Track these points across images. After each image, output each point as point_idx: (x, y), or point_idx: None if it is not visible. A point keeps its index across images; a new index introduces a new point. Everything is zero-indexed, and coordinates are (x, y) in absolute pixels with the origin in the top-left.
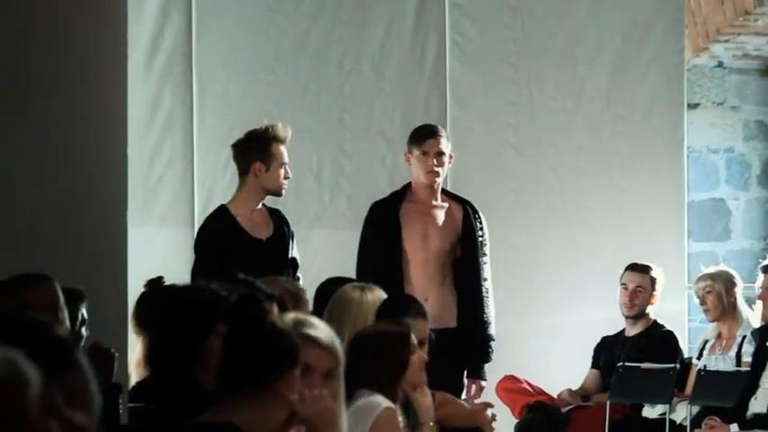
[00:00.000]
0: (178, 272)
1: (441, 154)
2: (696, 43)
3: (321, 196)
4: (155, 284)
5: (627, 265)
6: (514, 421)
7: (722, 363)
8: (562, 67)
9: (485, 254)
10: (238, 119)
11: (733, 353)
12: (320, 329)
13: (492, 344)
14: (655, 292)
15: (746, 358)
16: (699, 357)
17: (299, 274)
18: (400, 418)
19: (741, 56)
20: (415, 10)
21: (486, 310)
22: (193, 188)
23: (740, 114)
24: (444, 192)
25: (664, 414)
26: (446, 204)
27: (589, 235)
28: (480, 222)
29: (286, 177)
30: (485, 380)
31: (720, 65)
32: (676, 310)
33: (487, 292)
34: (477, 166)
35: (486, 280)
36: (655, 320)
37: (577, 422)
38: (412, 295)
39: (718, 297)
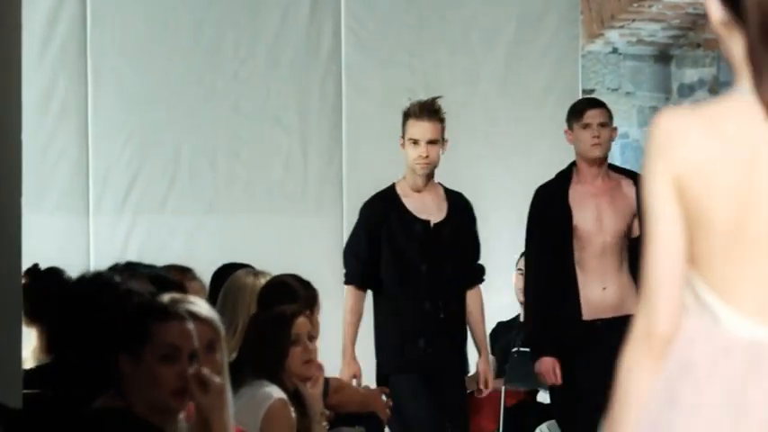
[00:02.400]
0: (73, 260)
1: (604, 125)
2: (591, 29)
3: (216, 182)
4: (33, 273)
5: (522, 250)
6: None
7: None
8: (457, 54)
9: None
10: (133, 106)
11: None
12: (198, 304)
13: None
14: None
15: None
16: None
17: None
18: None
19: (636, 42)
20: None
21: None
22: (88, 176)
23: (635, 100)
24: (612, 167)
25: None
26: (616, 181)
27: (484, 221)
28: None
29: (420, 156)
30: None
31: (615, 51)
32: None
33: None
34: (373, 152)
35: None
36: None
37: (473, 408)
38: (298, 275)
39: None
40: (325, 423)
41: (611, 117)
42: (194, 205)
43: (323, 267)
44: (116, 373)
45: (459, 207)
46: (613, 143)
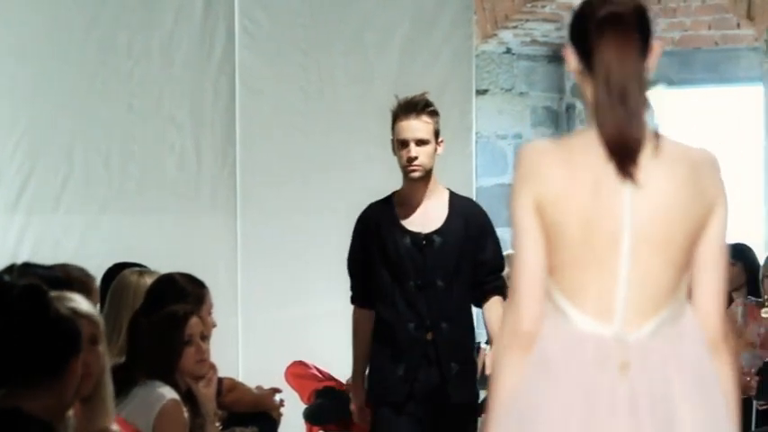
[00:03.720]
0: None
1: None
2: (484, 29)
3: (110, 182)
4: None
5: None
6: (303, 406)
7: None
8: (352, 53)
9: None
10: (25, 106)
11: None
12: (77, 300)
13: None
14: None
15: None
16: None
17: None
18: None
19: (529, 42)
20: None
21: None
22: None
23: (528, 100)
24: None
25: None
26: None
27: None
28: None
29: (408, 158)
30: None
31: (509, 51)
32: None
33: None
34: (266, 151)
35: None
36: None
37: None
38: (187, 273)
39: None
40: (218, 423)
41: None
42: (88, 205)
43: (217, 267)
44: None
45: (463, 215)
46: (506, 144)
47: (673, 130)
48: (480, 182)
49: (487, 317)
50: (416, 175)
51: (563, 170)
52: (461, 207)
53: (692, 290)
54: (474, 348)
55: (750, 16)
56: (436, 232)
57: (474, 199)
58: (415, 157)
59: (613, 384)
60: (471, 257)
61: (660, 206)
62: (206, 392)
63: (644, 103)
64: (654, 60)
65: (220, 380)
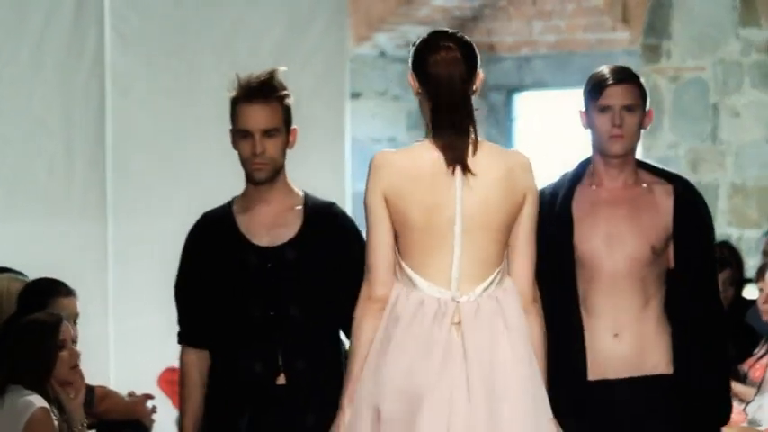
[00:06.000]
0: None
1: (630, 108)
2: (358, 32)
3: None
4: None
5: None
6: (176, 413)
7: None
8: (223, 56)
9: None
10: None
11: None
12: None
13: None
14: None
15: None
16: None
17: None
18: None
19: (404, 45)
20: None
21: None
22: None
23: (402, 104)
24: (647, 167)
25: None
26: (646, 186)
27: None
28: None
29: (253, 153)
30: None
31: (383, 54)
32: None
33: None
34: (137, 155)
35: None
36: None
37: None
38: (56, 279)
39: None
40: None
41: (643, 97)
42: None
43: (86, 273)
44: None
45: (323, 223)
46: (381, 148)
47: (548, 132)
48: (356, 187)
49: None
50: (263, 174)
51: (406, 170)
52: (319, 213)
53: (510, 262)
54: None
55: (625, 19)
56: (289, 245)
57: (349, 204)
58: (262, 152)
59: (449, 336)
60: (336, 275)
61: (483, 197)
62: (74, 401)
63: (469, 117)
64: (479, 85)
65: (92, 388)
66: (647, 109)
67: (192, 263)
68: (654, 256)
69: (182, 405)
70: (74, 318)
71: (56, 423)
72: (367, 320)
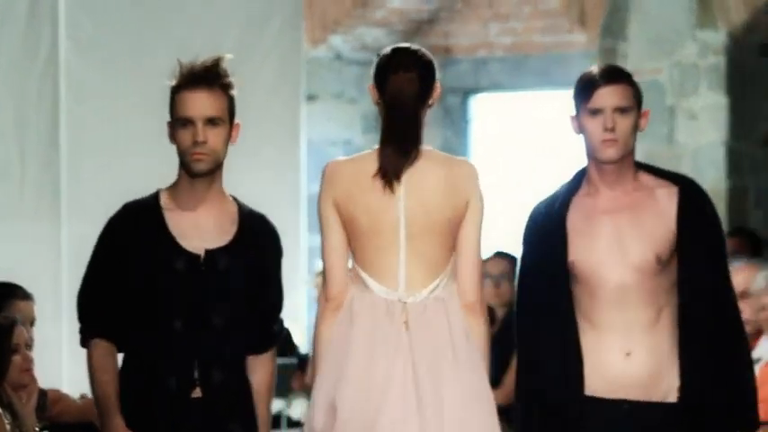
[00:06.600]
0: None
1: (623, 110)
2: (314, 35)
3: None
4: None
5: None
6: None
7: None
8: (179, 57)
9: None
10: None
11: None
12: None
13: None
14: None
15: None
16: None
17: None
18: (7, 422)
19: (359, 47)
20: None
21: None
22: None
23: (358, 107)
24: (646, 168)
25: (280, 410)
26: (648, 190)
27: None
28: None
29: (195, 141)
30: None
31: (338, 57)
32: (295, 304)
33: None
34: (92, 157)
35: None
36: None
37: None
38: (14, 283)
39: None
40: None
41: (637, 97)
42: None
43: (40, 276)
44: None
45: (257, 235)
46: (337, 150)
47: (504, 134)
48: (311, 189)
49: (254, 374)
50: (203, 166)
51: (354, 178)
52: (253, 223)
53: (456, 266)
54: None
55: (582, 22)
56: (222, 251)
57: (305, 206)
58: (204, 141)
59: (398, 334)
60: (256, 292)
61: (426, 203)
62: (27, 404)
63: (415, 132)
64: (435, 97)
65: (44, 392)
66: (642, 109)
67: (109, 255)
68: (660, 265)
69: (98, 390)
70: (30, 321)
71: (8, 428)
72: (326, 320)
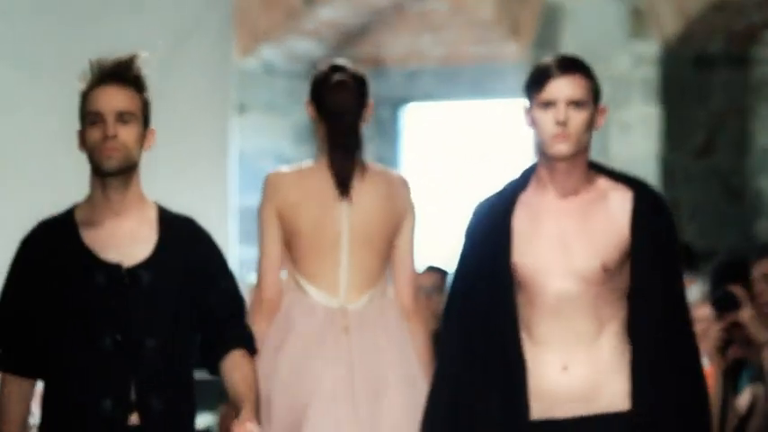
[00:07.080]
0: None
1: (578, 104)
2: (245, 45)
3: None
4: None
5: None
6: None
7: None
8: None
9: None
10: None
11: None
12: None
13: None
14: None
15: None
16: None
17: None
18: None
19: (290, 58)
20: None
21: None
22: None
23: (289, 118)
24: (601, 170)
25: (209, 427)
26: (600, 192)
27: None
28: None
29: (105, 137)
30: None
31: (269, 67)
32: None
33: None
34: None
35: None
36: None
37: None
38: None
39: None
40: None
41: (594, 91)
42: None
43: None
44: None
45: (181, 240)
46: (268, 162)
47: (436, 144)
48: (242, 201)
49: (229, 379)
50: (113, 162)
51: (297, 189)
52: (177, 229)
53: (392, 274)
54: None
55: (515, 32)
56: (144, 265)
57: (235, 218)
58: (114, 135)
59: (338, 340)
60: (197, 301)
61: (367, 215)
62: None
63: (357, 145)
64: (368, 115)
65: None
66: (599, 105)
67: (23, 278)
68: (606, 275)
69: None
70: None
71: None
72: (260, 321)
